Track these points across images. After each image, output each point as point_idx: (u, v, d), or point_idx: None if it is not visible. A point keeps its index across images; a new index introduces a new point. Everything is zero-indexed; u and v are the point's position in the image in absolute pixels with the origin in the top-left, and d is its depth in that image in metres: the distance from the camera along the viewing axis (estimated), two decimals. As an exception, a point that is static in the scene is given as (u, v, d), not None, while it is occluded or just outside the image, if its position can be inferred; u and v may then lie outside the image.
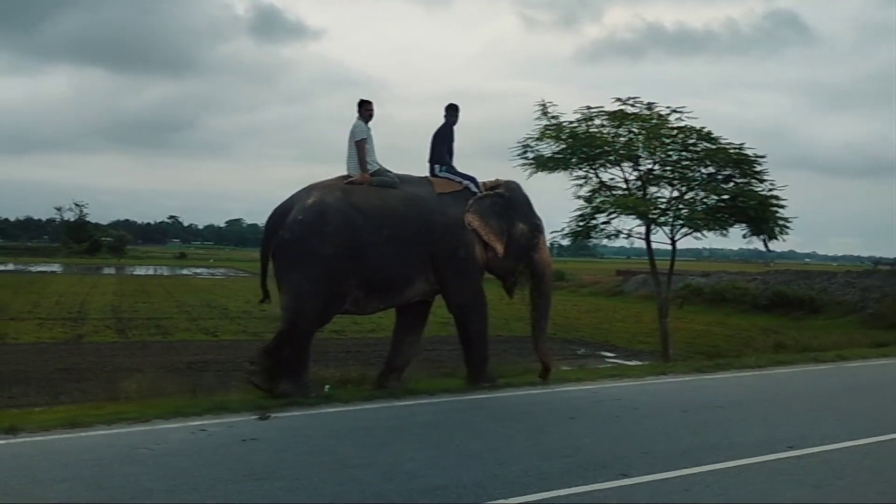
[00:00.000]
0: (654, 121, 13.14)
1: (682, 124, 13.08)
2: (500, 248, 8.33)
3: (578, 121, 13.04)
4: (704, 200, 12.90)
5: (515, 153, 13.40)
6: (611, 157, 13.18)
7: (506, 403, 7.59)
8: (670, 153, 13.26)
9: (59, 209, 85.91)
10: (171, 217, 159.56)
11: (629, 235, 14.12)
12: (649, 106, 13.38)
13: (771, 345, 13.82)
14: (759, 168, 12.65)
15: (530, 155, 13.36)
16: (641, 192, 13.56)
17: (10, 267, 56.22)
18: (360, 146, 8.02)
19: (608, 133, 13.12)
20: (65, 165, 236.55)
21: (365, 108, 8.21)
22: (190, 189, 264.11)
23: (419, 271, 8.03)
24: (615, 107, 13.09)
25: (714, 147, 12.89)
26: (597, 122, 13.05)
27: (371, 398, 7.55)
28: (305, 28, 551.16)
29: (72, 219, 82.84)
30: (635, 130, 13.09)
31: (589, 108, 13.03)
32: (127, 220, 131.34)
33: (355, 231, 7.60)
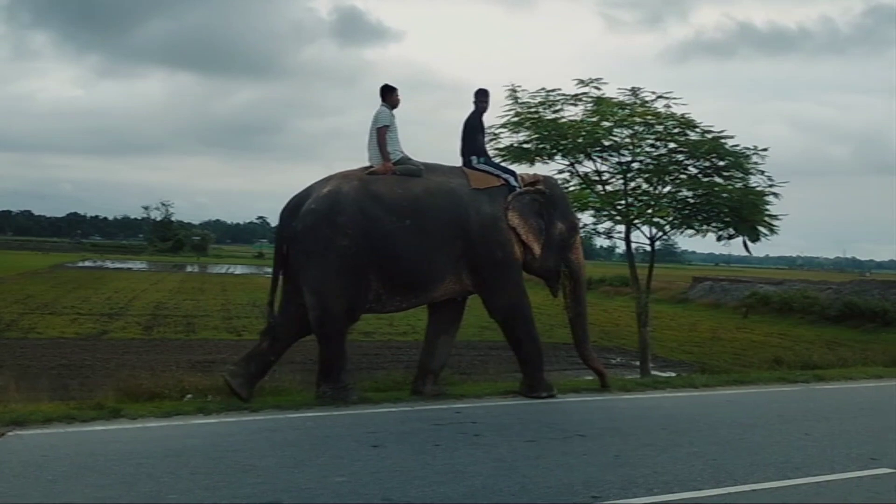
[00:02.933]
0: (637, 107, 11.76)
1: (661, 111, 11.64)
2: (536, 248, 7.85)
3: (539, 104, 11.76)
4: (676, 196, 11.37)
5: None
6: (580, 147, 11.85)
7: (335, 424, 6.42)
8: (651, 142, 11.83)
9: (146, 208, 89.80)
10: (260, 218, 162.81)
11: (610, 236, 12.82)
12: (633, 91, 12.01)
13: (769, 360, 12.10)
14: (739, 157, 11.01)
15: (501, 144, 12.23)
16: (623, 188, 12.20)
17: (97, 263, 58.71)
18: (381, 133, 7.54)
19: (577, 120, 11.80)
20: (161, 167, 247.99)
21: (392, 95, 7.73)
22: (278, 190, 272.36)
23: (449, 268, 7.46)
24: (577, 89, 11.74)
25: (695, 138, 11.37)
26: (558, 106, 11.75)
27: (172, 414, 6.58)
28: (386, 30, 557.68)
29: (158, 218, 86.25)
30: (608, 118, 11.71)
31: (545, 89, 11.73)
32: (218, 220, 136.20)
33: (372, 221, 7.13)
